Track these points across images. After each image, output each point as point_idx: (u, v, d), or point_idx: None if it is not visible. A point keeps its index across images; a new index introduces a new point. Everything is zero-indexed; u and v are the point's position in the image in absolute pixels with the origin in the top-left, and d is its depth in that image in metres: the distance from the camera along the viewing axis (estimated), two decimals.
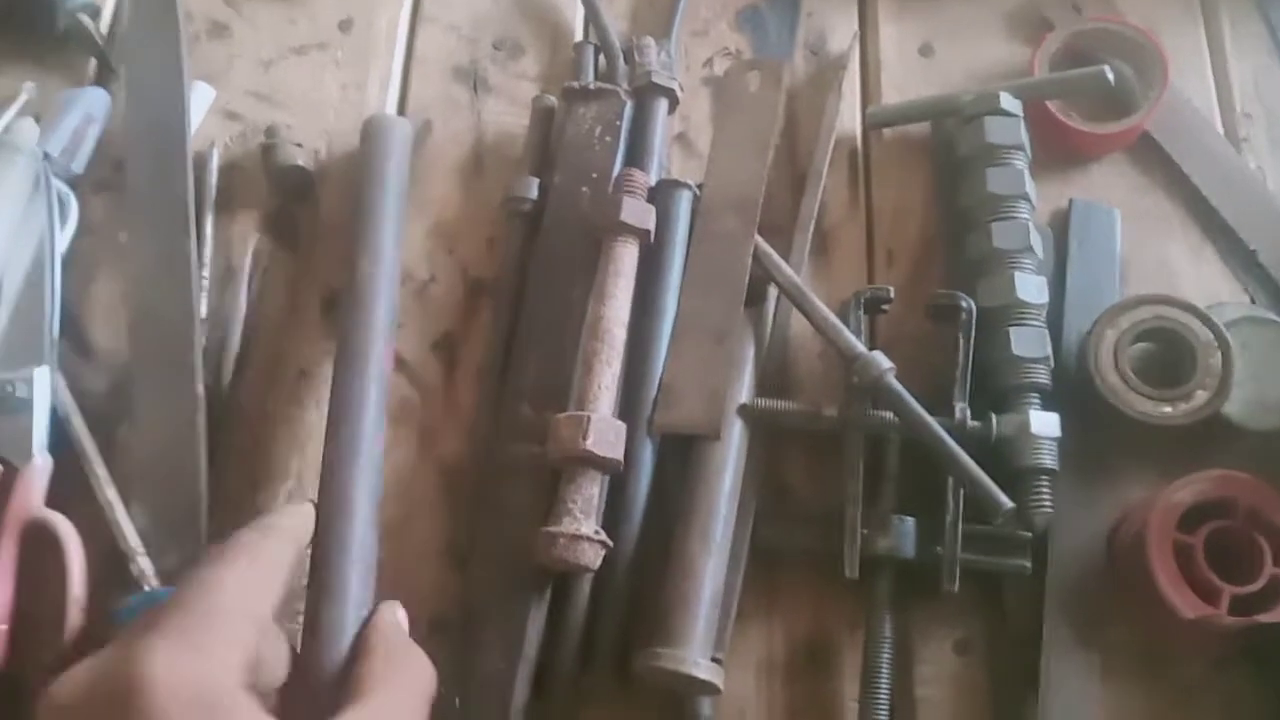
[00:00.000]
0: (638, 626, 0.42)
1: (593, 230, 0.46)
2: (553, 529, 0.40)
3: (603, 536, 0.40)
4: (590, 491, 0.41)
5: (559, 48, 0.55)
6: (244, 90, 0.54)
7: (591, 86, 0.50)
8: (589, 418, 0.41)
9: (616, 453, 0.41)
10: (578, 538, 0.40)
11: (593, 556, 0.40)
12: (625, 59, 0.53)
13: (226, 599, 0.31)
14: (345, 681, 0.34)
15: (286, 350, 0.48)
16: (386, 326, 0.43)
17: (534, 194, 0.49)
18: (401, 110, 0.54)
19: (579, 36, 0.55)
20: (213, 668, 0.29)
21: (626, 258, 0.45)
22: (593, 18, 0.54)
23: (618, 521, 0.42)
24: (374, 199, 0.46)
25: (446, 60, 0.55)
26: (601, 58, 0.54)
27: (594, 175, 0.48)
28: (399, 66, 0.55)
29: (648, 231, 0.46)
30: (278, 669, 0.34)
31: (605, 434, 0.41)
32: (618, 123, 0.50)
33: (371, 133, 0.49)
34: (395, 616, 0.37)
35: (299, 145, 0.50)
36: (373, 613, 0.37)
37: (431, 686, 0.35)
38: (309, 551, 0.38)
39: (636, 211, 0.45)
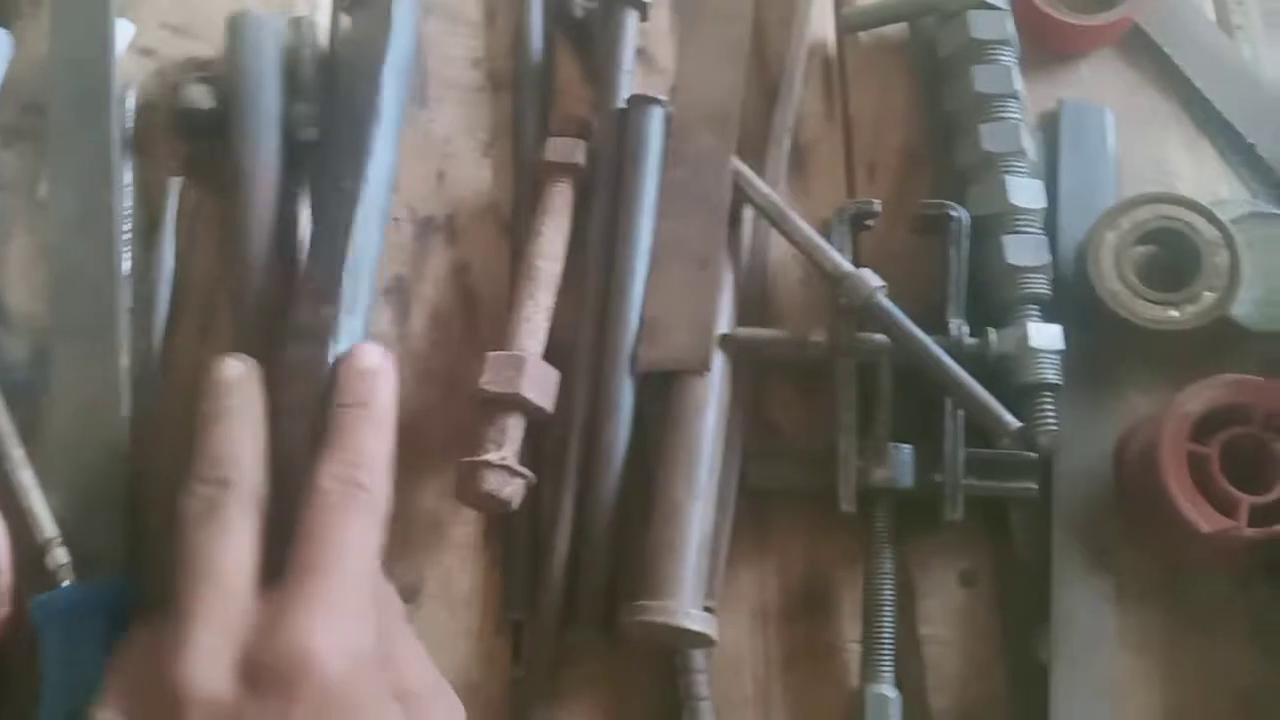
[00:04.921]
0: (623, 579, 0.39)
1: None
2: (472, 459, 0.37)
3: (524, 471, 0.38)
4: (516, 433, 0.39)
5: None
6: (159, 23, 0.49)
7: None
8: (524, 359, 0.39)
9: (548, 400, 0.39)
10: (500, 468, 0.37)
11: (512, 490, 0.38)
12: None
13: (353, 563, 0.31)
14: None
15: (221, 306, 0.44)
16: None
17: None
18: (335, 33, 0.49)
19: None
20: (363, 637, 0.30)
21: (556, 195, 0.43)
22: None
23: (597, 469, 0.39)
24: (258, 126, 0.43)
25: None
26: None
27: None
28: None
29: (575, 165, 0.43)
30: None
31: (539, 378, 0.39)
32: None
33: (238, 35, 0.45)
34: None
35: (209, 81, 0.45)
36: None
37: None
38: None
39: (561, 149, 0.43)
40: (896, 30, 0.49)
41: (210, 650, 0.28)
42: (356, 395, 0.34)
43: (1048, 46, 0.48)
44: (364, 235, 0.40)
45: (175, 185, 0.45)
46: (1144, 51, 0.48)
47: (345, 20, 0.47)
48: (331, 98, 0.44)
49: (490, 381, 0.39)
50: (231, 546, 0.31)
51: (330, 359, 0.36)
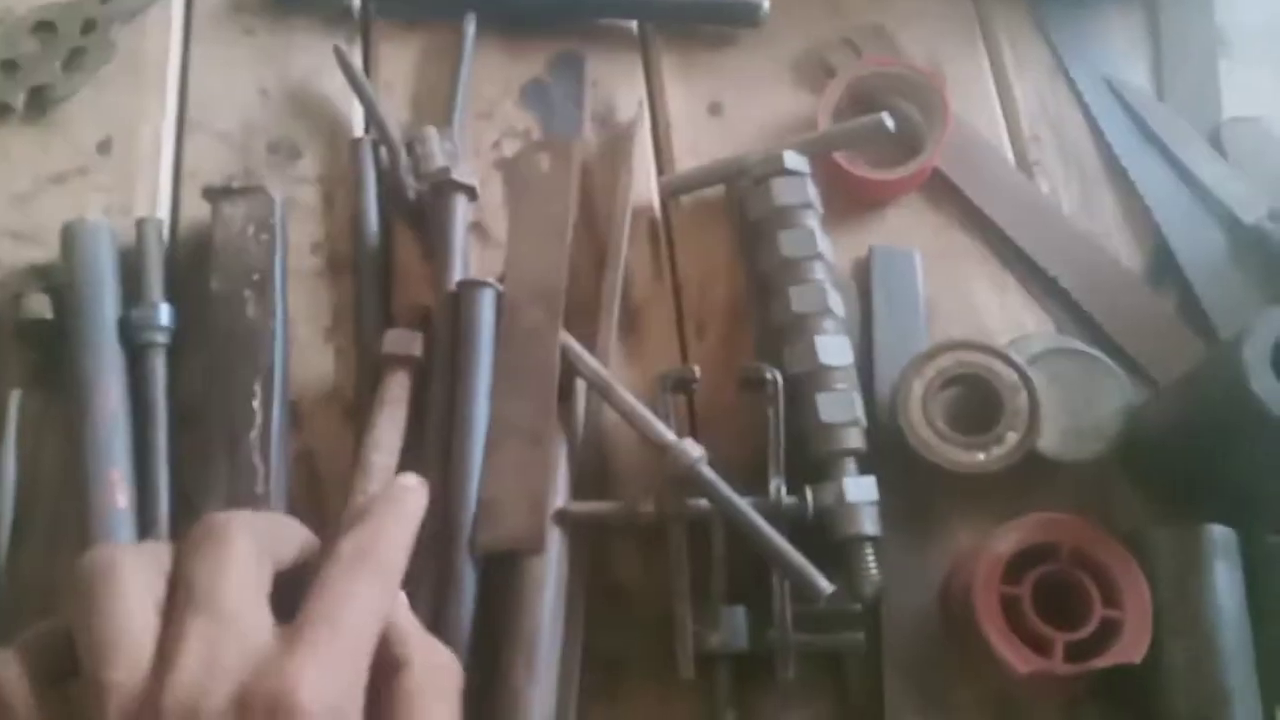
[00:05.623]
0: None
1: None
2: None
3: None
4: None
5: (338, 146, 0.52)
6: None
7: (235, 185, 0.48)
8: None
9: None
10: None
11: None
12: (408, 151, 0.51)
13: (357, 618, 0.32)
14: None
15: (70, 512, 0.45)
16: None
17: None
18: (174, 229, 0.51)
19: (359, 132, 0.53)
20: (348, 688, 0.31)
21: (393, 385, 0.44)
22: (369, 110, 0.52)
23: None
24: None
25: (219, 170, 0.52)
26: (383, 151, 0.52)
27: (255, 277, 0.46)
28: (168, 182, 0.52)
29: (411, 357, 0.45)
30: None
31: None
32: (271, 220, 0.47)
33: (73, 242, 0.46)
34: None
35: (49, 290, 0.46)
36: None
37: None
38: None
39: (398, 341, 0.45)
40: (716, 190, 0.51)
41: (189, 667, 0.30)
42: (390, 495, 0.38)
43: (855, 199, 0.51)
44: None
45: (15, 397, 0.46)
46: (947, 194, 0.52)
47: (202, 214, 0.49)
48: (212, 300, 0.46)
49: None
50: (133, 605, 0.31)
51: None
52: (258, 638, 0.31)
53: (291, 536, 0.35)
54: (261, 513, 0.36)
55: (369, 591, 0.33)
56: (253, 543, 0.33)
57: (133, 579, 0.32)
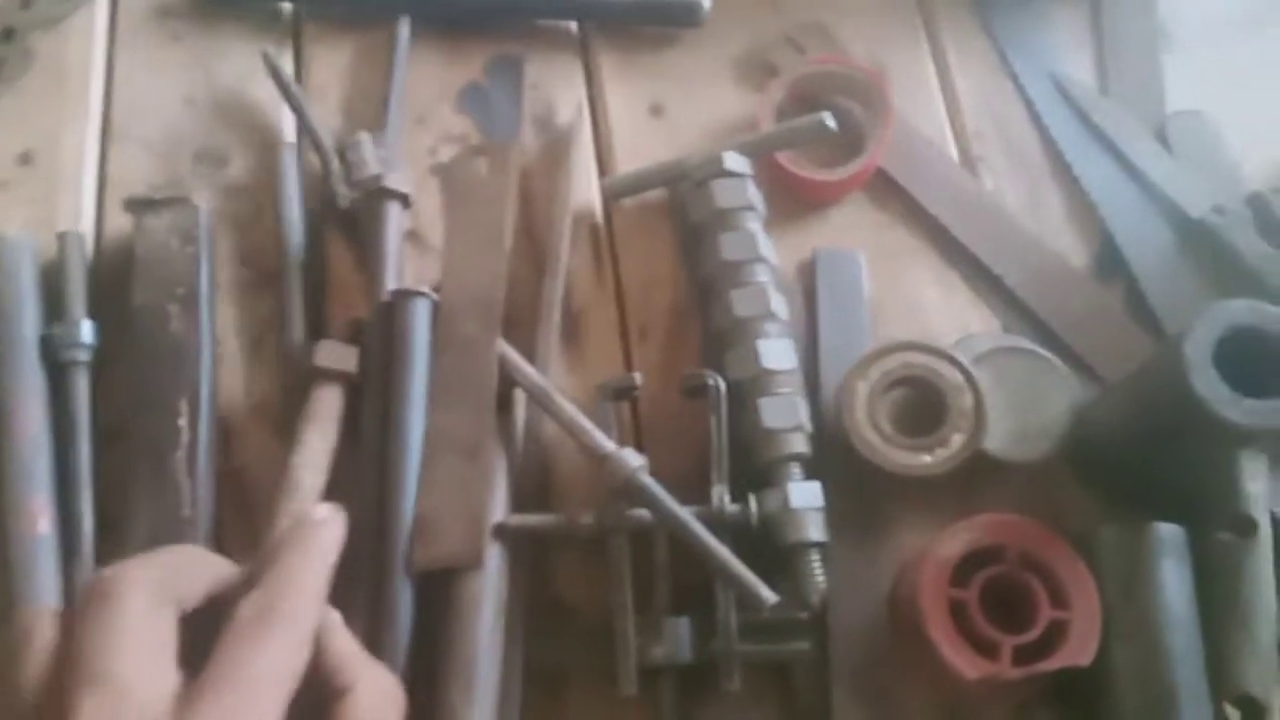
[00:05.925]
0: None
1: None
2: None
3: None
4: None
5: (268, 154, 0.51)
6: None
7: (158, 196, 0.47)
8: None
9: None
10: None
11: None
12: (340, 158, 0.50)
13: (261, 676, 0.30)
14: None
15: None
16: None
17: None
18: (99, 243, 0.49)
19: (290, 139, 0.52)
20: None
21: (323, 400, 0.42)
22: (300, 117, 0.51)
23: None
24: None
25: (145, 181, 0.50)
26: (315, 159, 0.50)
27: (180, 290, 0.45)
28: (91, 194, 0.50)
29: (345, 373, 0.43)
30: None
31: None
32: (196, 231, 0.46)
33: None
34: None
35: None
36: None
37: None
38: None
39: (329, 354, 0.43)
40: (658, 193, 0.50)
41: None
42: (297, 535, 0.34)
43: (798, 199, 0.50)
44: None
45: None
46: (890, 192, 0.51)
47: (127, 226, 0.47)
48: (135, 315, 0.45)
49: None
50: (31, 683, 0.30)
51: None
52: (155, 707, 0.29)
53: (199, 572, 0.33)
54: (162, 551, 0.33)
55: (275, 647, 0.31)
56: (147, 597, 0.30)
57: (36, 655, 0.31)
